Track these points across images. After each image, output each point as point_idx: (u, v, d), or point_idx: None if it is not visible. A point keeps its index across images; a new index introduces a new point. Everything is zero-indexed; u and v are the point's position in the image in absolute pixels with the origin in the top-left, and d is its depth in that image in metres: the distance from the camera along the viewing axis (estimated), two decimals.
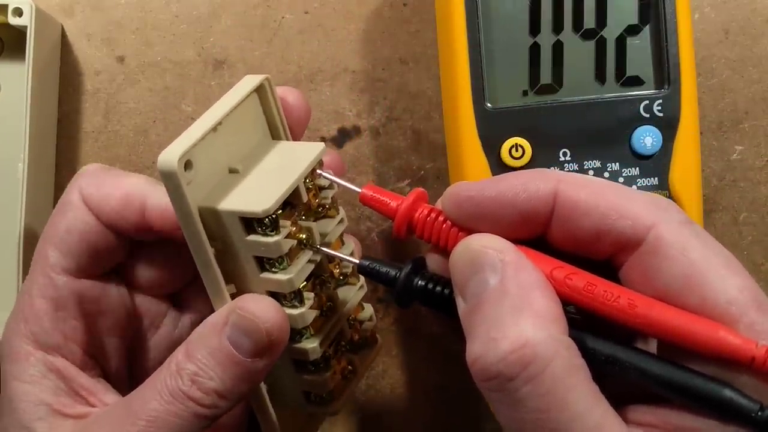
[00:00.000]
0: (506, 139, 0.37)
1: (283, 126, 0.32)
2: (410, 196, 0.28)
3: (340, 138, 0.45)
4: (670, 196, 0.37)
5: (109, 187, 0.31)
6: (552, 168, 0.37)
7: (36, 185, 0.42)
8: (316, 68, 0.45)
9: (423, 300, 0.28)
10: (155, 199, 0.31)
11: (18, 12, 0.40)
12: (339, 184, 0.31)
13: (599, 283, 0.25)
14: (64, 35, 0.45)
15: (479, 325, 0.24)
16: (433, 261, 0.29)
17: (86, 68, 0.45)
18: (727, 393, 0.23)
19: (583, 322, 0.25)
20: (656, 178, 0.37)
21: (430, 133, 0.45)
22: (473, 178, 0.37)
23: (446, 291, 0.27)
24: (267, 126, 0.32)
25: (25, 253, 0.40)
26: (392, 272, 0.28)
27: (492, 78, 0.37)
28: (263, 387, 0.31)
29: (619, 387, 0.25)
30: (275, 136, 0.32)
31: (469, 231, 0.27)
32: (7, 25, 0.41)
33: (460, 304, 0.26)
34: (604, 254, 0.26)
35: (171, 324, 0.35)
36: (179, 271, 0.34)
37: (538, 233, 0.26)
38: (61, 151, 0.45)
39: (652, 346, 0.26)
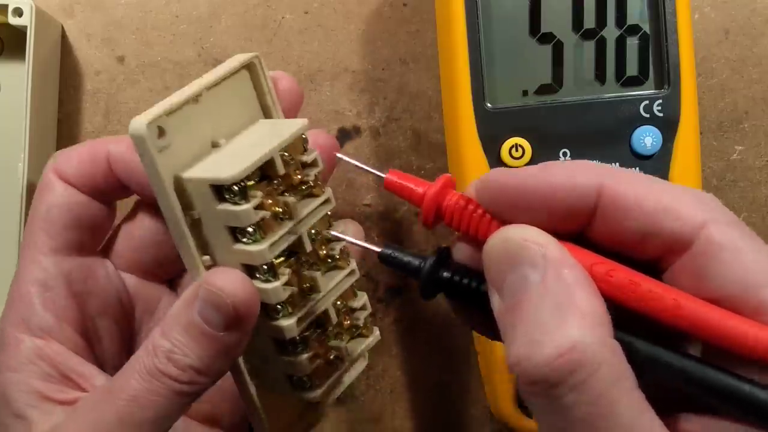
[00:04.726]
0: (506, 139, 0.37)
1: (275, 105, 0.32)
2: (438, 181, 0.27)
3: (340, 138, 0.45)
4: None
5: (76, 152, 0.32)
6: None
7: (36, 185, 0.42)
8: (316, 68, 0.45)
9: (449, 292, 0.27)
10: (117, 150, 0.32)
11: (18, 12, 0.40)
12: (362, 169, 0.30)
13: (643, 281, 0.24)
14: (64, 35, 0.45)
15: (520, 326, 0.23)
16: (460, 251, 0.27)
17: (86, 68, 0.45)
18: None
19: (621, 320, 0.24)
20: None
21: (430, 133, 0.45)
22: (473, 178, 0.37)
23: (474, 284, 0.26)
24: (259, 106, 0.32)
25: None
26: (416, 262, 0.27)
27: (492, 78, 0.37)
28: (245, 372, 0.31)
29: (662, 392, 0.24)
30: (267, 116, 0.32)
31: (503, 221, 0.25)
32: (7, 25, 0.41)
33: (495, 301, 0.24)
34: (650, 255, 0.24)
35: (166, 309, 0.35)
36: (171, 253, 0.34)
37: (578, 229, 0.25)
38: None
39: (695, 350, 0.25)
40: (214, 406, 0.35)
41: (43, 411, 0.30)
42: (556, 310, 0.22)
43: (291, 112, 0.33)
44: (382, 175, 0.28)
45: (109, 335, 0.34)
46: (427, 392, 0.46)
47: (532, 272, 0.23)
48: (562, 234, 0.25)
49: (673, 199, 0.24)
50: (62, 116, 0.45)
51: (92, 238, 0.33)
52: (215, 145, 0.30)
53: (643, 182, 0.25)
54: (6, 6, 0.40)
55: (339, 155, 0.30)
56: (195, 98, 0.29)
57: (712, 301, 0.23)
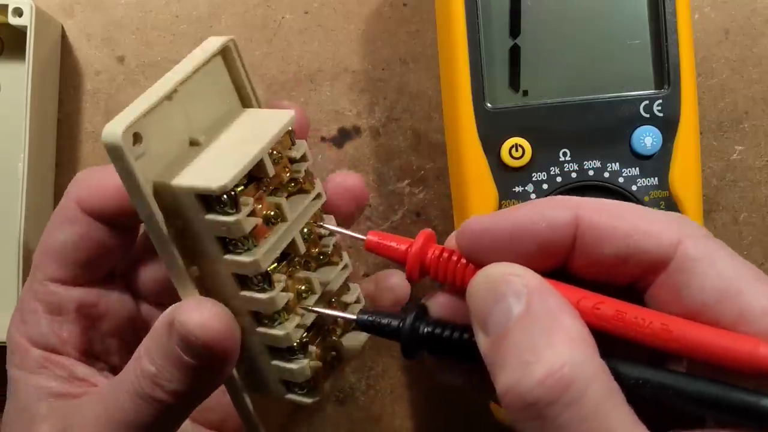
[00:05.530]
0: (506, 139, 0.37)
1: (253, 91, 0.30)
2: (419, 238, 0.27)
3: (340, 138, 0.45)
4: (670, 196, 0.37)
5: (102, 182, 0.32)
6: (552, 168, 0.37)
7: (36, 185, 0.42)
8: (316, 68, 0.45)
9: (432, 348, 0.27)
10: None
11: (18, 12, 0.40)
12: (343, 234, 0.29)
13: (629, 310, 0.24)
14: (64, 35, 0.45)
15: (508, 354, 0.23)
16: (437, 305, 0.27)
17: (86, 68, 0.45)
18: (766, 402, 0.22)
19: (606, 349, 0.24)
20: (656, 178, 0.37)
21: (430, 133, 0.45)
22: (473, 178, 0.37)
23: (456, 334, 0.26)
24: (236, 93, 0.29)
25: (26, 253, 0.40)
26: (395, 322, 0.27)
27: (492, 78, 0.37)
28: (238, 382, 0.30)
29: (649, 413, 0.24)
30: (245, 103, 0.30)
31: None
32: (7, 25, 0.41)
33: (482, 339, 0.24)
34: (629, 278, 0.25)
35: None
36: None
37: (558, 263, 0.25)
38: (61, 151, 0.45)
39: (680, 366, 0.25)
40: (221, 414, 0.35)
41: (49, 405, 0.31)
42: (543, 333, 0.23)
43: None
44: (363, 237, 0.28)
45: (117, 351, 0.34)
46: (427, 392, 0.46)
47: (515, 303, 0.23)
48: (543, 271, 0.25)
49: (647, 221, 0.25)
50: (62, 116, 0.45)
51: (106, 268, 0.33)
52: (194, 143, 0.28)
53: (616, 209, 0.25)
54: (6, 6, 0.40)
55: (321, 224, 0.29)
56: (169, 96, 0.27)
57: (692, 314, 0.24)
